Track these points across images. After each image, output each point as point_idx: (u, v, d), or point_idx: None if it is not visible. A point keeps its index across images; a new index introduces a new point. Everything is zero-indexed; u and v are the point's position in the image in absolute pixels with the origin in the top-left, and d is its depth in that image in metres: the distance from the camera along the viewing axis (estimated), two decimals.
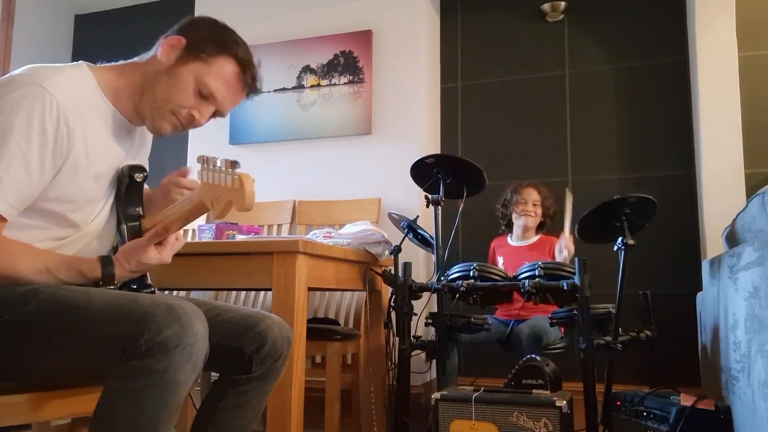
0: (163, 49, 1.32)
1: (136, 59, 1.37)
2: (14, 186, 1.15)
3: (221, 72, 1.32)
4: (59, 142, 1.19)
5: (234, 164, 1.12)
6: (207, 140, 3.59)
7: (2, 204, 1.15)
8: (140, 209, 1.37)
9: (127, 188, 1.36)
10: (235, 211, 1.14)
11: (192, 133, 3.65)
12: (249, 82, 1.37)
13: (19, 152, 1.15)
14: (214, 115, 1.38)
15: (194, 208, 1.23)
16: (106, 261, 1.25)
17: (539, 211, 2.87)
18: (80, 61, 1.32)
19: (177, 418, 1.11)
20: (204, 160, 1.17)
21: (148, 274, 1.35)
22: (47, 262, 1.21)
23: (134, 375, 1.04)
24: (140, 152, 1.47)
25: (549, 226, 2.95)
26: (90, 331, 1.11)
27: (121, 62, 1.37)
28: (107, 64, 1.35)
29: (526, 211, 2.85)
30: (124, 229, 1.34)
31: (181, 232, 1.31)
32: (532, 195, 2.87)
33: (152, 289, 1.34)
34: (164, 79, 1.31)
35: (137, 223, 1.35)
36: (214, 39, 1.32)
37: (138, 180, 1.36)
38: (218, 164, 1.14)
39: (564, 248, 2.63)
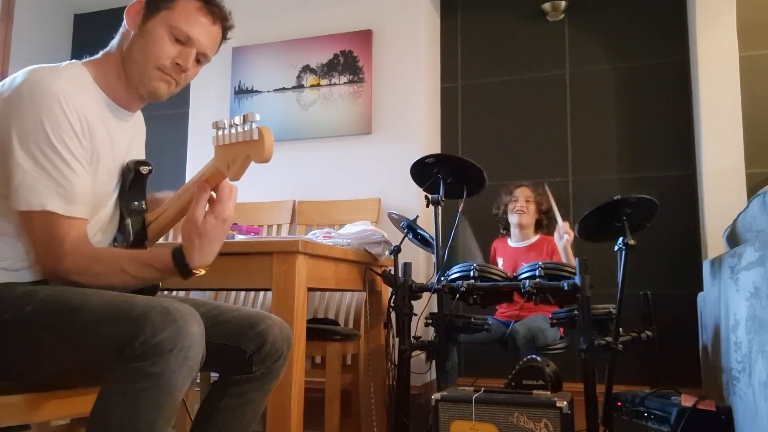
0: (128, 19, 1.34)
1: (111, 43, 1.38)
2: (80, 191, 1.21)
3: (186, 11, 1.32)
4: (87, 139, 1.24)
5: (252, 116, 1.11)
6: (207, 139, 3.58)
7: (81, 208, 1.22)
8: (143, 203, 1.37)
9: (132, 182, 1.36)
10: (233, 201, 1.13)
11: (192, 133, 3.66)
12: (216, 11, 1.36)
13: (67, 161, 1.20)
14: (199, 60, 1.37)
15: (209, 178, 1.21)
16: (176, 251, 1.21)
17: (532, 207, 2.87)
18: (72, 60, 1.33)
19: (174, 420, 1.10)
20: (220, 124, 1.16)
21: None
22: (121, 262, 1.23)
23: (130, 377, 1.04)
24: (138, 142, 1.49)
25: (548, 226, 2.94)
26: (86, 333, 1.11)
27: (102, 52, 1.38)
28: (90, 59, 1.36)
29: (518, 208, 2.86)
30: (129, 223, 1.35)
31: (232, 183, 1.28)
32: (525, 192, 2.89)
33: (156, 284, 1.34)
34: (138, 42, 1.32)
35: (141, 217, 1.35)
36: None
37: (144, 173, 1.37)
38: (236, 121, 1.13)
39: (564, 233, 2.64)
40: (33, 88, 1.18)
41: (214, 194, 1.22)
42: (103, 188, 1.31)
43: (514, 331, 2.45)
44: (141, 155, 1.49)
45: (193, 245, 1.20)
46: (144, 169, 1.37)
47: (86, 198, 1.24)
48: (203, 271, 1.24)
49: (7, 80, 1.23)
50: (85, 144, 1.23)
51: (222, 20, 1.38)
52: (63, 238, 1.20)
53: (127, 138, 1.41)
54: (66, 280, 1.22)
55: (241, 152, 1.12)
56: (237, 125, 1.13)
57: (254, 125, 1.10)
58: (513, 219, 2.89)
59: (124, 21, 1.34)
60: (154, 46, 1.31)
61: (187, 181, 3.80)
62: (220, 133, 1.15)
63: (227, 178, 1.19)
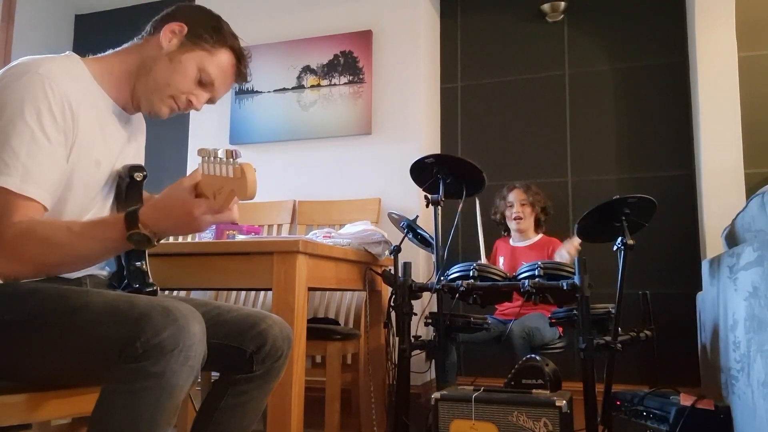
0: (164, 35, 1.34)
1: (129, 44, 1.39)
2: (42, 172, 1.17)
3: (221, 62, 1.38)
4: (67, 123, 1.21)
5: (234, 154, 1.12)
6: (207, 140, 3.59)
7: (36, 190, 1.16)
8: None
9: (127, 188, 1.36)
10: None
11: (192, 133, 3.66)
12: (242, 72, 1.44)
13: (36, 139, 1.16)
14: (207, 101, 1.42)
15: None
16: (130, 216, 1.15)
17: (527, 210, 2.87)
18: (70, 52, 1.33)
19: (175, 420, 1.10)
20: (205, 153, 1.17)
21: (149, 272, 1.35)
22: (67, 223, 1.20)
23: (131, 378, 1.04)
24: (136, 143, 1.48)
25: (546, 223, 2.95)
26: (87, 333, 1.11)
27: (111, 51, 1.38)
28: (97, 56, 1.37)
29: (515, 215, 2.87)
30: None
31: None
32: (518, 196, 2.88)
33: (155, 287, 1.33)
34: (165, 63, 1.34)
35: None
36: (213, 29, 1.38)
37: (138, 179, 1.37)
38: (219, 155, 1.14)
39: (566, 252, 2.63)
40: (23, 70, 1.20)
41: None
42: (90, 178, 1.29)
43: (510, 331, 2.45)
44: (139, 159, 1.49)
45: (159, 204, 1.17)
46: (138, 176, 1.37)
47: (48, 179, 1.18)
48: (147, 234, 1.15)
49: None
50: (60, 123, 1.19)
51: (241, 79, 1.45)
52: (11, 213, 1.14)
53: (123, 137, 1.40)
54: (6, 256, 1.15)
55: (226, 186, 1.13)
56: (221, 159, 1.13)
57: (237, 162, 1.11)
58: (512, 225, 2.91)
59: (160, 33, 1.34)
60: (178, 77, 1.34)
61: None
62: (206, 161, 1.16)
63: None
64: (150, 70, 1.33)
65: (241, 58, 1.42)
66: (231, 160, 1.12)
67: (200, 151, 1.17)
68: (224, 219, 1.19)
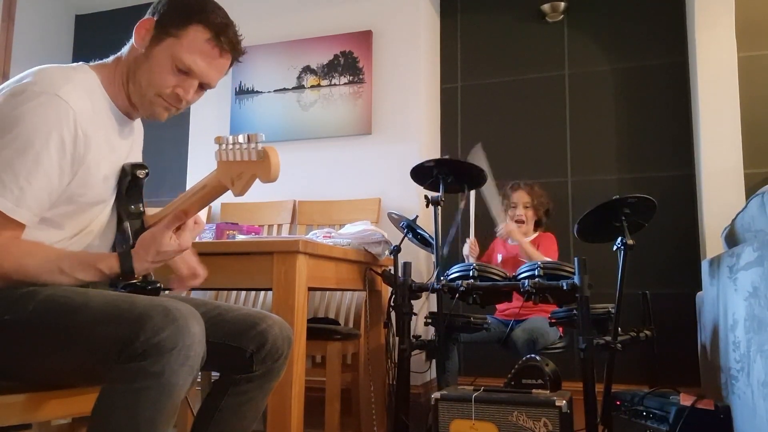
0: (137, 35, 1.31)
1: (120, 52, 1.37)
2: (36, 196, 1.17)
3: (193, 43, 1.28)
4: (77, 149, 1.21)
5: (258, 137, 1.12)
6: (207, 139, 3.59)
7: (26, 214, 1.16)
8: (141, 206, 1.38)
9: (129, 185, 1.36)
10: (232, 211, 1.14)
11: (192, 132, 3.66)
12: (225, 46, 1.31)
13: (39, 162, 1.16)
14: (202, 87, 1.36)
15: (210, 190, 1.22)
16: (124, 256, 1.22)
17: (530, 213, 2.85)
18: (81, 63, 1.33)
19: (174, 420, 1.11)
20: (223, 140, 1.16)
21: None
22: (60, 260, 1.20)
23: (130, 377, 1.04)
24: (137, 146, 1.49)
25: (546, 224, 2.95)
26: (87, 333, 1.11)
27: (112, 57, 1.37)
28: (99, 62, 1.36)
29: (517, 218, 2.84)
30: (127, 226, 1.35)
31: (203, 215, 1.30)
32: (523, 197, 2.86)
33: (158, 284, 1.33)
34: (144, 64, 1.30)
35: (139, 219, 1.36)
36: (180, 10, 1.29)
37: (140, 177, 1.37)
38: (240, 140, 1.13)
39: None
40: (41, 90, 1.17)
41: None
42: (98, 195, 1.30)
43: (514, 334, 2.45)
44: (138, 158, 1.49)
45: (146, 254, 1.22)
46: (141, 173, 1.36)
47: (41, 203, 1.19)
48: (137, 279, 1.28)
49: (13, 79, 1.23)
50: (69, 149, 1.19)
51: (232, 52, 1.34)
52: None
53: (128, 144, 1.41)
54: None
55: (246, 170, 1.13)
56: (242, 143, 1.13)
57: (260, 145, 1.11)
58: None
59: (134, 34, 1.32)
60: (156, 74, 1.29)
61: (188, 181, 3.79)
62: (224, 148, 1.15)
63: (232, 193, 1.19)
64: (134, 75, 1.31)
65: (218, 31, 1.28)
66: (253, 143, 1.12)
67: (217, 139, 1.17)
68: (184, 241, 1.24)
